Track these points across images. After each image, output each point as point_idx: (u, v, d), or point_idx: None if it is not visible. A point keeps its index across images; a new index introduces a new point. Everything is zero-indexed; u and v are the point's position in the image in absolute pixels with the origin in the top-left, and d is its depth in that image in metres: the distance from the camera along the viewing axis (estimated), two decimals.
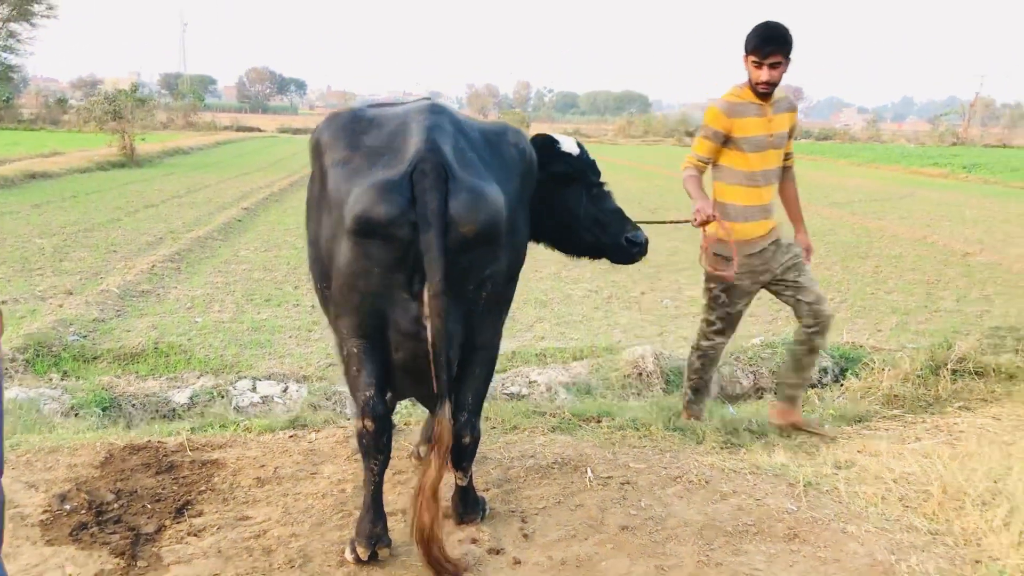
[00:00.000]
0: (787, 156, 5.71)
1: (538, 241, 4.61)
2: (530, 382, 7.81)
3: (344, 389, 6.63)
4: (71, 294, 10.31)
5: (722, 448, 5.30)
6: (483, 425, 5.58)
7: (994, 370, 7.06)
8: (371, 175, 3.36)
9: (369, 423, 3.57)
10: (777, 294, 5.69)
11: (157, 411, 6.85)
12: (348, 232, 3.36)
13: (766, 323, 9.85)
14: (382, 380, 3.61)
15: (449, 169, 3.29)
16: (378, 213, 3.25)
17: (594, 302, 11.05)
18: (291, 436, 5.33)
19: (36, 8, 57.24)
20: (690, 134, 55.18)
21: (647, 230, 4.73)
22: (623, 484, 4.64)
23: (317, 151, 3.76)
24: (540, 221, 4.37)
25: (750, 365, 8.06)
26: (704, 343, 5.84)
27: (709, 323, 5.78)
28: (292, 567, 3.73)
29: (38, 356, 7.91)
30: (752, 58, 5.30)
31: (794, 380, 5.81)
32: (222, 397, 7.07)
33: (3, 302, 9.88)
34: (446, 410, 3.37)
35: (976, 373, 7.00)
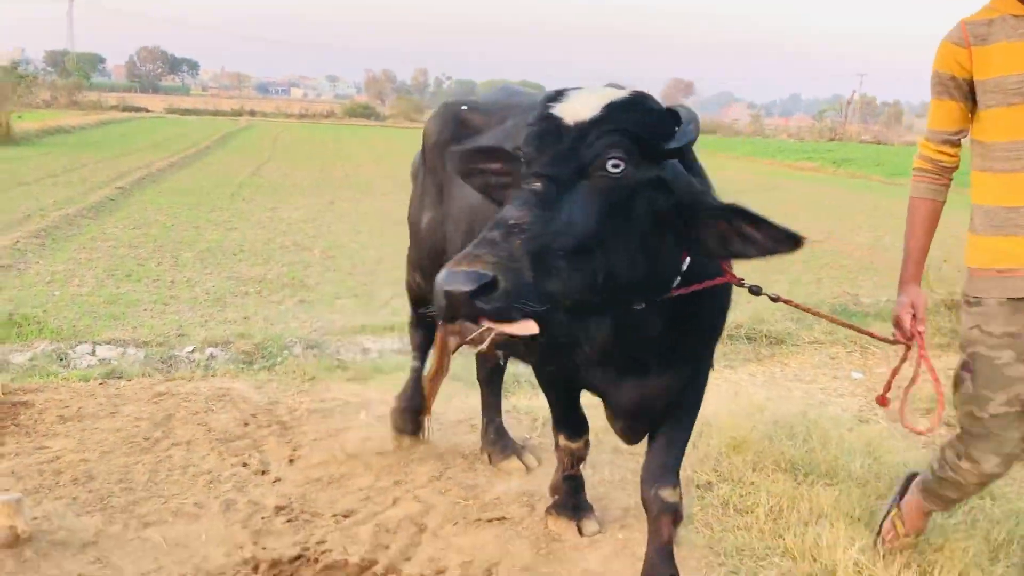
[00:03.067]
0: None
1: None
2: (363, 349, 8.43)
3: None
4: None
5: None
6: (285, 380, 6.28)
7: (765, 335, 7.99)
8: None
9: None
10: None
11: None
12: None
13: None
14: None
15: None
16: None
17: None
18: (101, 383, 5.91)
19: None
20: None
21: None
22: None
23: None
24: None
25: None
26: (939, 469, 3.55)
27: (958, 438, 3.42)
28: (76, 484, 4.36)
29: None
30: None
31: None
32: (61, 359, 7.51)
33: None
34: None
35: (748, 338, 7.93)
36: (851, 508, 4.17)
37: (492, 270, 2.24)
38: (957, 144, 3.38)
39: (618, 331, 2.91)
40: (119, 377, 6.20)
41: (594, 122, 2.57)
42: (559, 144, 2.56)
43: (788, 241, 2.63)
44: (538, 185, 2.50)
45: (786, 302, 3.32)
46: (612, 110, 2.60)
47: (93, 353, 7.65)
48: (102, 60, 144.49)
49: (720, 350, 7.59)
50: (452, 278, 2.25)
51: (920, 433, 3.77)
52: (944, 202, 3.45)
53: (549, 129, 2.60)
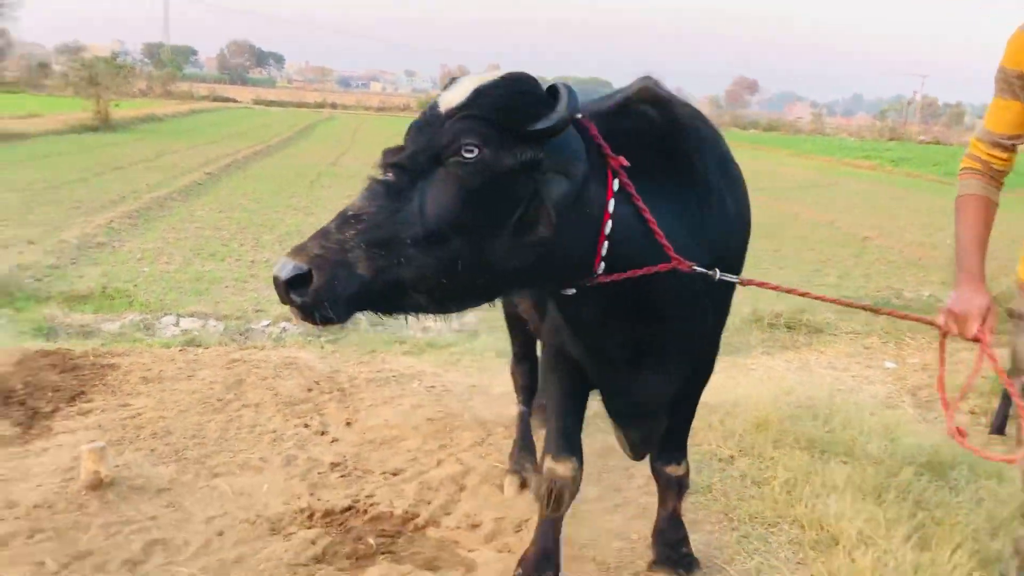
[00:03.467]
0: None
1: None
2: (422, 328, 8.69)
3: None
4: (32, 243, 11.01)
5: None
6: (348, 351, 6.54)
7: (805, 324, 8.07)
8: None
9: None
10: None
11: (87, 337, 7.67)
12: None
13: None
14: None
15: None
16: None
17: None
18: (181, 350, 6.24)
19: None
20: None
21: None
22: (442, 391, 5.58)
23: None
24: None
25: None
26: None
27: None
28: (154, 437, 4.67)
29: None
30: None
31: None
32: (147, 329, 7.88)
33: None
34: None
35: (788, 327, 8.01)
36: (862, 483, 4.28)
37: (308, 263, 2.22)
38: (1011, 149, 2.87)
39: (570, 316, 2.94)
40: (198, 345, 6.53)
41: (458, 108, 2.41)
42: (426, 133, 2.44)
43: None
44: (389, 175, 2.39)
45: (759, 284, 2.96)
46: (478, 95, 2.43)
47: (177, 324, 8.01)
48: (194, 52, 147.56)
49: (759, 337, 7.74)
50: (280, 264, 2.25)
51: (1010, 461, 2.85)
52: (997, 204, 2.88)
53: (427, 119, 2.48)
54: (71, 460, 4.26)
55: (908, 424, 5.33)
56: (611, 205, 2.57)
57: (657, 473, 3.64)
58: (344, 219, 2.33)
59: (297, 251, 2.26)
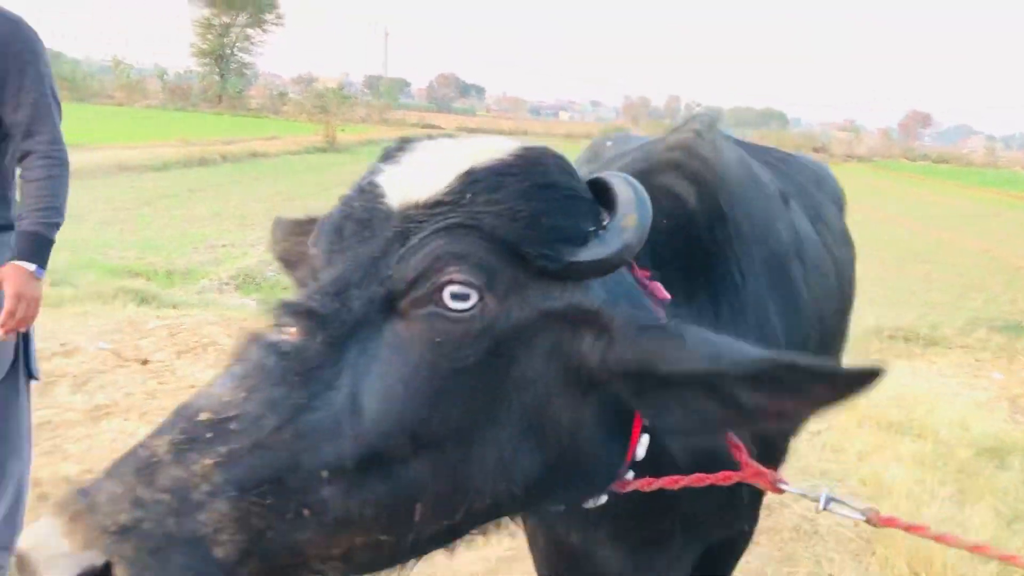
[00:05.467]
0: None
1: None
2: None
3: None
4: None
5: None
6: None
7: (922, 337, 8.43)
8: None
9: None
10: None
11: None
12: None
13: None
14: None
15: None
16: None
17: None
18: None
19: (268, 17, 62.87)
20: (816, 150, 52.94)
21: None
22: None
23: None
24: None
25: None
26: None
27: None
28: None
29: (245, 283, 10.09)
30: None
31: None
32: None
33: (223, 246, 12.22)
34: None
35: (906, 339, 8.39)
36: (924, 457, 4.84)
37: (104, 551, 0.98)
38: None
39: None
40: None
41: (433, 206, 1.24)
42: (364, 246, 1.25)
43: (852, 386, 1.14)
44: (288, 332, 1.16)
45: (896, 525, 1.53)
46: (469, 184, 1.25)
47: None
48: (407, 84, 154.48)
49: (877, 347, 8.17)
50: (32, 542, 0.99)
51: None
52: None
53: (359, 215, 1.29)
54: None
55: (984, 419, 5.74)
56: None
57: None
58: (191, 428, 1.08)
59: (74, 517, 1.01)
